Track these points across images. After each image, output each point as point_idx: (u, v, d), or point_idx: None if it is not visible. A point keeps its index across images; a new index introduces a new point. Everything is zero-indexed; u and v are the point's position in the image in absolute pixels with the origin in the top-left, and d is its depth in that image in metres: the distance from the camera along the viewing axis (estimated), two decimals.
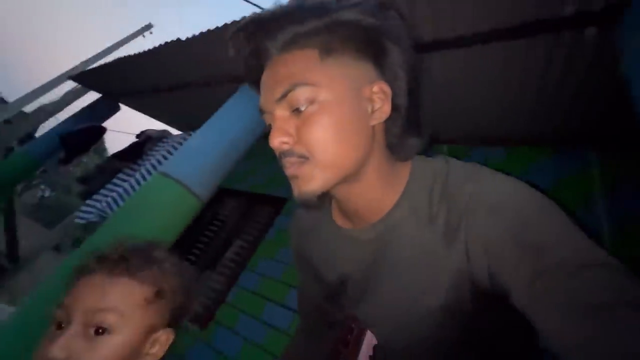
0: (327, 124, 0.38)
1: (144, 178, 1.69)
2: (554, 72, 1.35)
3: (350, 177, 0.41)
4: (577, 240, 0.32)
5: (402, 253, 0.44)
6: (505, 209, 0.36)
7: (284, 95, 0.38)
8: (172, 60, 2.07)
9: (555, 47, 1.23)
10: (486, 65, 1.44)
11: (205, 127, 1.46)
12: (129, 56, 2.20)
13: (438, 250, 0.40)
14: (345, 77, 0.39)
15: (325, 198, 0.46)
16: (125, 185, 1.71)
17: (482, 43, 1.27)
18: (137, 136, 2.08)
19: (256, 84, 0.44)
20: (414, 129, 0.44)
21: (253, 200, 2.72)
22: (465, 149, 2.16)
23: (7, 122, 6.92)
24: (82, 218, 1.70)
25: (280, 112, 0.39)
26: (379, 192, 0.44)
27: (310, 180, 0.39)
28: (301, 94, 0.38)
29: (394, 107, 0.41)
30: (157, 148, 1.95)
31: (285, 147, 0.39)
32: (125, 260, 0.49)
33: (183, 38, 1.82)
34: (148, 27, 9.51)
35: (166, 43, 1.90)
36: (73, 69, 8.44)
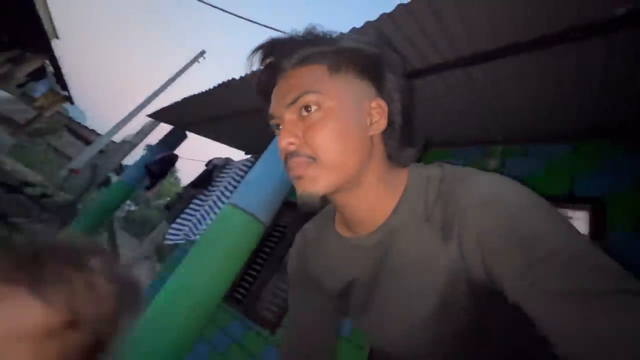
0: (331, 128, 0.42)
1: (215, 204, 1.96)
2: (616, 69, 1.25)
3: (352, 181, 0.44)
4: (569, 232, 0.33)
5: (404, 256, 0.45)
6: (496, 202, 0.37)
7: (295, 101, 0.43)
8: (231, 93, 2.34)
9: (613, 46, 1.15)
10: (535, 69, 1.38)
11: (262, 158, 1.66)
12: (195, 95, 2.53)
13: (436, 249, 0.42)
14: (349, 91, 0.44)
15: (326, 202, 0.48)
16: (202, 210, 2.01)
17: (514, 54, 1.24)
18: (206, 165, 2.39)
19: (266, 96, 0.49)
20: (408, 142, 0.49)
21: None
22: (522, 147, 2.05)
23: (101, 151, 8.25)
24: (170, 240, 2.04)
25: (289, 116, 0.44)
26: (379, 197, 0.46)
27: (314, 181, 0.42)
28: (310, 99, 0.42)
29: (390, 123, 0.47)
30: (222, 175, 2.23)
31: (292, 147, 0.43)
32: (35, 263, 0.31)
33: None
34: (202, 53, 10.47)
35: (224, 82, 2.17)
36: (144, 101, 9.61)
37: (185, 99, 2.68)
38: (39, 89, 7.26)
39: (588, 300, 0.27)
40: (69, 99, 8.02)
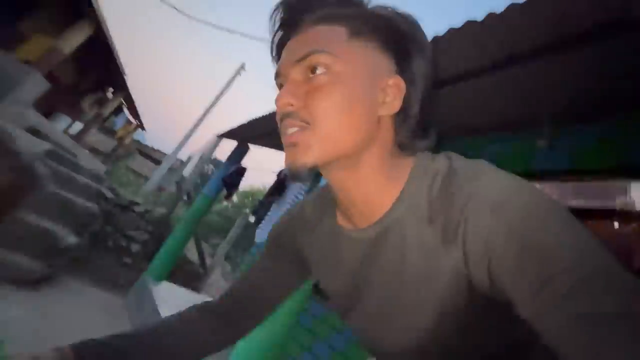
0: (335, 95, 0.38)
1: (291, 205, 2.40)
2: None
3: (348, 159, 0.40)
4: (587, 244, 0.30)
5: (401, 256, 0.41)
6: (508, 207, 0.33)
7: (304, 58, 0.39)
8: None
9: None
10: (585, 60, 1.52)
11: None
12: (260, 117, 2.98)
13: (437, 251, 0.38)
14: (366, 61, 0.40)
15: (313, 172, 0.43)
16: (280, 213, 2.46)
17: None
18: (277, 175, 2.84)
19: (279, 56, 0.45)
20: (423, 134, 0.45)
21: None
22: (572, 124, 2.10)
23: (170, 168, 9.39)
24: (260, 238, 2.51)
25: (295, 75, 0.40)
26: (379, 186, 0.42)
27: (307, 150, 0.38)
28: (319, 59, 0.38)
29: (404, 108, 0.42)
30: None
31: (290, 108, 0.39)
32: None
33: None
34: (242, 67, 11.25)
35: None
36: (198, 120, 10.56)
37: (254, 120, 3.14)
38: (118, 122, 8.60)
39: (604, 324, 0.25)
40: (141, 126, 9.32)
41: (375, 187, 0.42)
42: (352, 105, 0.39)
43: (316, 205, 0.56)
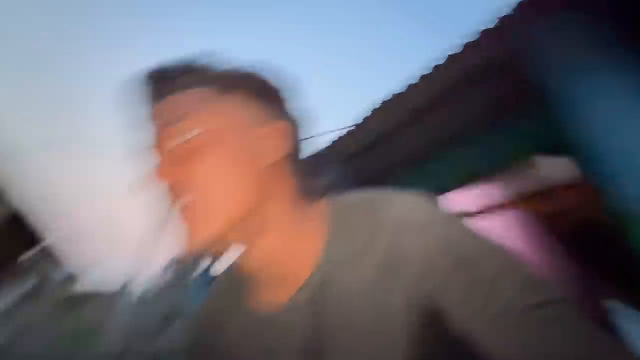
0: (212, 157, 0.37)
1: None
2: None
3: (252, 221, 0.38)
4: (494, 250, 0.34)
5: (351, 308, 0.37)
6: (432, 226, 0.35)
7: (173, 125, 0.38)
8: None
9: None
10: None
11: None
12: None
13: (381, 286, 0.36)
14: (239, 114, 0.40)
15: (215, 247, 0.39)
16: None
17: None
18: None
19: (142, 129, 0.42)
20: (321, 175, 0.44)
21: None
22: None
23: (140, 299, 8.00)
24: None
25: (167, 145, 0.38)
26: (297, 241, 0.40)
27: (201, 225, 0.36)
28: (192, 124, 0.37)
29: (291, 151, 0.41)
30: None
31: (170, 182, 0.37)
32: None
33: None
34: None
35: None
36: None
37: None
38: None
39: (519, 317, 0.28)
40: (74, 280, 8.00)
41: (295, 243, 0.40)
42: (233, 162, 0.38)
43: (221, 296, 0.50)
